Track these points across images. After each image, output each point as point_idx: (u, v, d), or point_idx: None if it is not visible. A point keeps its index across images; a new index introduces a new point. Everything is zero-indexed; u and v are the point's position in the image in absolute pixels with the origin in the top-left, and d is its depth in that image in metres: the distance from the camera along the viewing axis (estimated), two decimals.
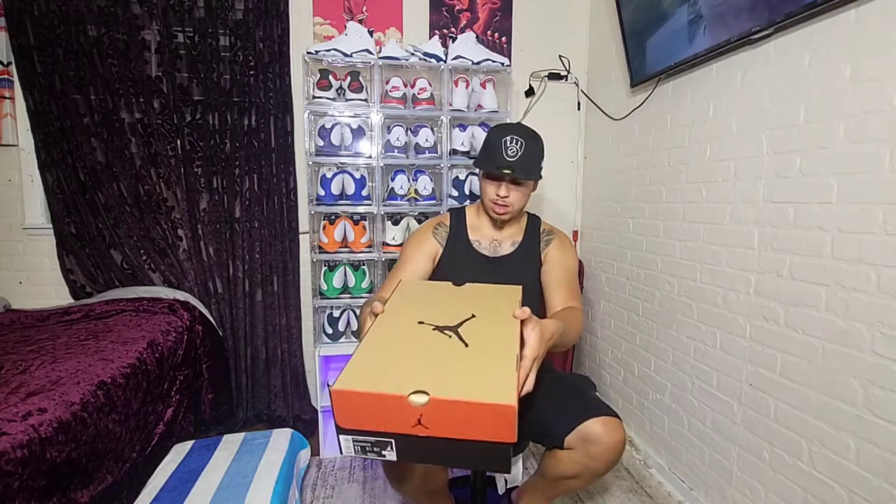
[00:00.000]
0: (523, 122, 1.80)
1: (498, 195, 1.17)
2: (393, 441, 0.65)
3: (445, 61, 1.91)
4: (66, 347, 1.41)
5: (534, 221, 1.34)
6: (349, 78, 1.86)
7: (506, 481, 1.31)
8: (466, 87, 1.93)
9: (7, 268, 1.99)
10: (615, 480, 1.69)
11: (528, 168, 1.15)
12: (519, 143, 1.14)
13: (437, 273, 1.25)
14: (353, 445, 0.66)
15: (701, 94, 1.51)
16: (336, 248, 1.90)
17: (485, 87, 1.89)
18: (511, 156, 1.13)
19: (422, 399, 0.60)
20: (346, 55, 1.82)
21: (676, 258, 1.62)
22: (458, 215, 1.33)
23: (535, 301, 1.24)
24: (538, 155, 1.19)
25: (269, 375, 2.09)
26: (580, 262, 2.23)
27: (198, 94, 1.92)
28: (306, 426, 2.02)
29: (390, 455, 0.66)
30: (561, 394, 1.13)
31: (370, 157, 1.91)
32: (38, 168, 1.89)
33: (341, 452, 0.69)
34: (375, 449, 0.66)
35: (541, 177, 1.20)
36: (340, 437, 0.66)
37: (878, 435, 0.98)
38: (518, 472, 1.32)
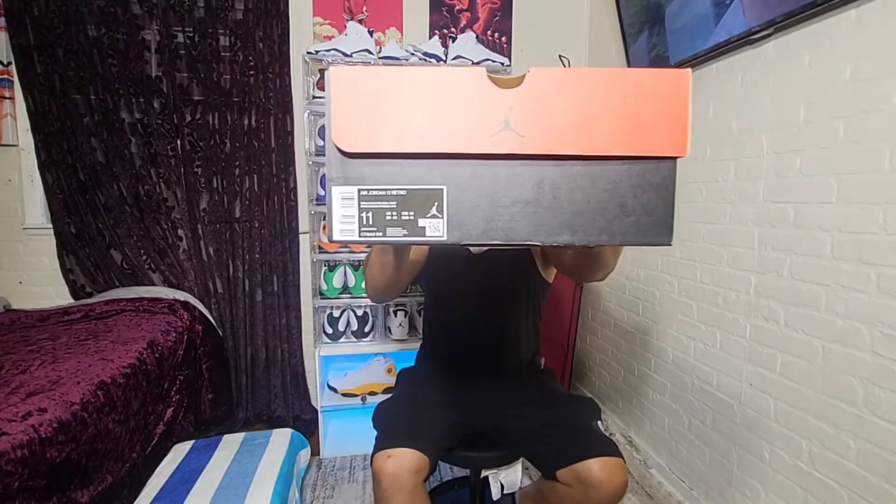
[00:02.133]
0: None
1: None
2: (444, 189, 0.31)
3: (445, 61, 1.91)
4: (66, 347, 1.41)
5: None
6: None
7: (502, 486, 1.27)
8: None
9: (7, 268, 1.99)
10: None
11: None
12: None
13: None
14: (360, 208, 0.32)
15: (701, 94, 1.51)
16: (336, 248, 1.90)
17: None
18: None
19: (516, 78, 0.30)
20: (346, 55, 1.82)
21: (676, 258, 1.62)
22: None
23: (522, 302, 1.19)
24: None
25: (269, 375, 2.09)
26: None
27: (198, 94, 1.92)
28: (306, 426, 2.02)
29: (434, 228, 0.32)
30: (561, 421, 1.05)
31: None
32: (38, 168, 1.89)
33: (330, 237, 0.34)
34: (407, 214, 0.31)
35: None
36: (334, 191, 0.33)
37: (878, 435, 0.98)
38: (517, 477, 1.28)
